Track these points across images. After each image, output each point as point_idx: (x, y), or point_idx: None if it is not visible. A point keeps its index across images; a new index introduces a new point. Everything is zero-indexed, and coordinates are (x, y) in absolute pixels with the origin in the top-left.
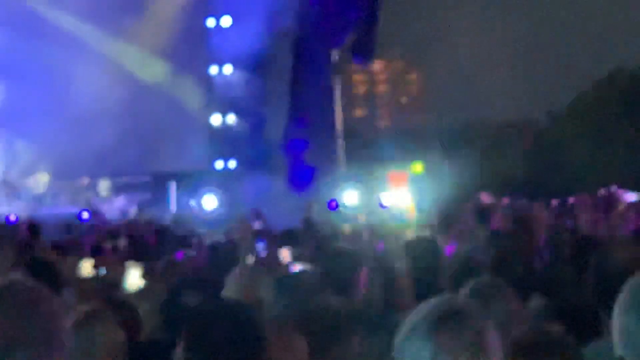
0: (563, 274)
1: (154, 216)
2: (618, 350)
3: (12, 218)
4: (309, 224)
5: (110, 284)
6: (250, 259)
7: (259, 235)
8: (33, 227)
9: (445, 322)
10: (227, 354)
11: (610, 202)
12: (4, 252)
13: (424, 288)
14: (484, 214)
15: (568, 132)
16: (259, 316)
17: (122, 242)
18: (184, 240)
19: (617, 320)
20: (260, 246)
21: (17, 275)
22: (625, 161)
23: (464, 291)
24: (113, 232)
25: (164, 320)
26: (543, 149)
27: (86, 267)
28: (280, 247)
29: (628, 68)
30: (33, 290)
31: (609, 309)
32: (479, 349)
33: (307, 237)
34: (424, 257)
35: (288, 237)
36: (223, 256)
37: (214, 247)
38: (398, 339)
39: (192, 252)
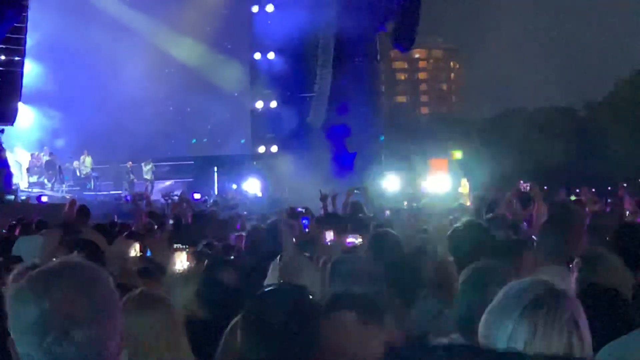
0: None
1: (197, 200)
2: None
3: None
4: (355, 208)
5: (155, 267)
6: (291, 247)
7: (303, 216)
8: (82, 210)
9: (543, 302)
10: (286, 335)
11: None
12: (50, 234)
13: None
14: (525, 201)
15: (606, 121)
16: (314, 299)
17: (168, 226)
18: (226, 224)
19: None
20: (304, 224)
21: (73, 256)
22: None
23: (462, 276)
24: (158, 216)
25: (201, 301)
26: (582, 138)
27: (133, 250)
28: (325, 229)
29: None
30: (90, 270)
31: None
32: (574, 328)
33: (352, 221)
34: (469, 241)
35: (333, 220)
36: (264, 240)
37: (255, 231)
38: (487, 319)
39: (234, 235)
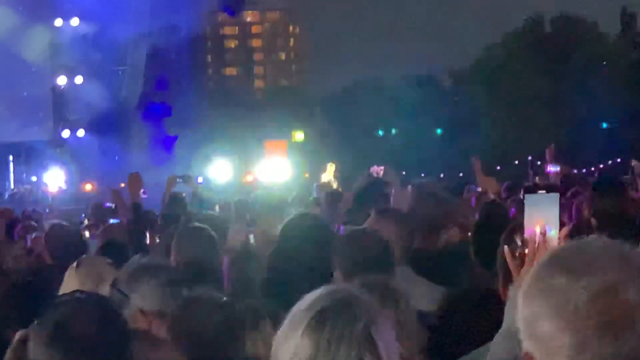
0: None
1: None
2: None
3: None
4: (175, 202)
5: None
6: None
7: (113, 214)
8: None
9: (328, 315)
10: (90, 348)
11: None
12: None
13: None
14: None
15: (476, 91)
16: (119, 308)
17: None
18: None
19: None
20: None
21: None
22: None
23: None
24: None
25: None
26: (448, 111)
27: None
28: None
29: (545, 15)
30: None
31: None
32: (367, 342)
33: (170, 218)
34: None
35: (148, 219)
36: (67, 243)
37: (56, 231)
38: (279, 333)
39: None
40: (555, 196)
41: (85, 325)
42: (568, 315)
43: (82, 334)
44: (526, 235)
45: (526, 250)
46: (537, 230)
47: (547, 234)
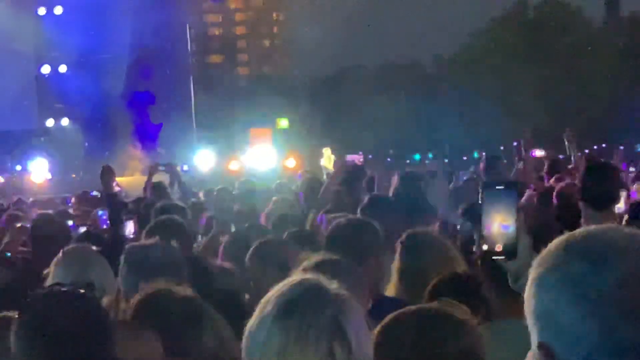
0: None
1: None
2: None
3: None
4: (157, 191)
5: None
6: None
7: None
8: None
9: (297, 306)
10: (69, 342)
11: None
12: None
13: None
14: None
15: (461, 78)
16: (99, 303)
17: None
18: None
19: None
20: (102, 216)
21: None
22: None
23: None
24: None
25: None
26: (431, 98)
27: None
28: (126, 219)
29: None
30: None
31: None
32: (337, 333)
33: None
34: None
35: (136, 208)
36: (52, 232)
37: (41, 220)
38: (250, 322)
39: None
40: (513, 191)
41: (63, 319)
42: (592, 303)
43: (61, 327)
44: (485, 232)
45: (484, 247)
46: (496, 227)
47: (505, 231)
